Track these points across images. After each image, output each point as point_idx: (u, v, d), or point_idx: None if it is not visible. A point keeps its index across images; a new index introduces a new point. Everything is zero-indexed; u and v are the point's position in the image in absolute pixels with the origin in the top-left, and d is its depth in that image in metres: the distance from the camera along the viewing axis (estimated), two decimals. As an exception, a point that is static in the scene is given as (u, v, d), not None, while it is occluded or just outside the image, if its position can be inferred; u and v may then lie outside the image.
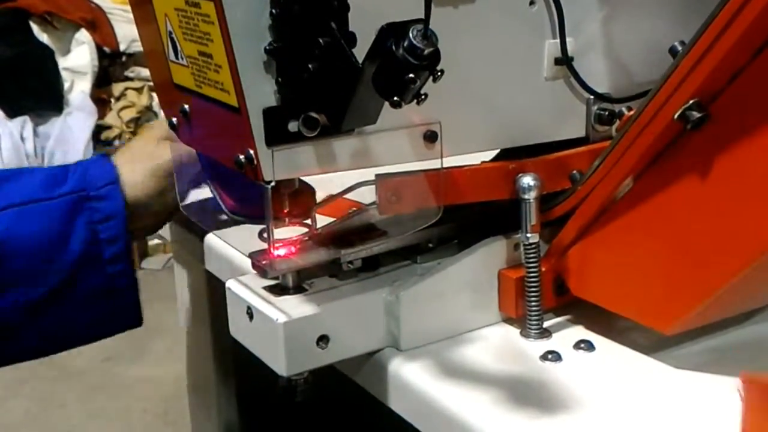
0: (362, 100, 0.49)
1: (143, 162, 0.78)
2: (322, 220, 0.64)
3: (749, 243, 0.52)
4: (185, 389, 1.09)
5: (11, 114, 2.44)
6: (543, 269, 0.62)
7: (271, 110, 0.52)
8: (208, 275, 0.92)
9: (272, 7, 0.50)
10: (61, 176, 0.76)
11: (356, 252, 0.62)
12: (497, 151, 0.67)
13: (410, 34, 0.46)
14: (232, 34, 0.50)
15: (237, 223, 0.80)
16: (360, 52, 0.48)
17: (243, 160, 0.53)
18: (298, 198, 0.61)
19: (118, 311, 0.79)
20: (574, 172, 0.64)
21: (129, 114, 2.65)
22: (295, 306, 0.59)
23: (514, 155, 0.65)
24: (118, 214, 0.74)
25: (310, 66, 0.49)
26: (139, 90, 2.70)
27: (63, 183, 0.75)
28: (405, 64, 0.46)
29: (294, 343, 0.58)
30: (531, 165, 0.63)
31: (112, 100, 2.68)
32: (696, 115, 0.52)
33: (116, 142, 2.59)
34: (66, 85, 2.59)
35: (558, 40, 0.63)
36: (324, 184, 0.63)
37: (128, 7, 0.64)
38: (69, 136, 2.47)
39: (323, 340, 0.59)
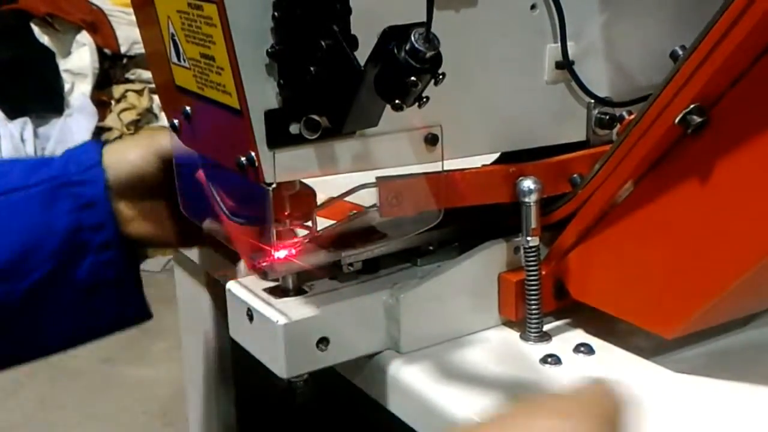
0: (364, 103, 0.50)
1: (137, 140, 0.72)
2: (322, 223, 0.64)
3: (750, 247, 0.52)
4: (184, 391, 1.09)
5: (12, 115, 2.44)
6: (543, 272, 0.62)
7: (273, 112, 0.52)
8: (208, 277, 0.92)
9: (274, 9, 0.50)
10: (42, 164, 0.70)
11: (357, 254, 0.62)
12: (497, 155, 0.67)
13: (412, 38, 0.46)
14: (234, 37, 0.50)
15: None
16: (362, 54, 0.49)
17: (244, 162, 0.53)
18: (298, 200, 0.61)
19: (113, 306, 0.72)
20: (575, 175, 0.64)
21: (129, 116, 2.65)
22: (296, 308, 0.59)
23: (514, 159, 0.65)
24: (100, 198, 0.68)
25: (311, 68, 0.50)
26: (139, 92, 2.70)
27: (42, 170, 0.69)
28: (407, 67, 0.46)
29: (294, 345, 0.58)
30: (531, 168, 0.63)
31: (113, 102, 2.68)
32: (696, 119, 0.52)
33: (116, 144, 2.59)
34: (66, 87, 2.59)
35: (559, 44, 0.63)
36: (325, 186, 0.63)
37: (129, 9, 0.64)
38: (69, 138, 2.47)
39: (323, 342, 0.59)
